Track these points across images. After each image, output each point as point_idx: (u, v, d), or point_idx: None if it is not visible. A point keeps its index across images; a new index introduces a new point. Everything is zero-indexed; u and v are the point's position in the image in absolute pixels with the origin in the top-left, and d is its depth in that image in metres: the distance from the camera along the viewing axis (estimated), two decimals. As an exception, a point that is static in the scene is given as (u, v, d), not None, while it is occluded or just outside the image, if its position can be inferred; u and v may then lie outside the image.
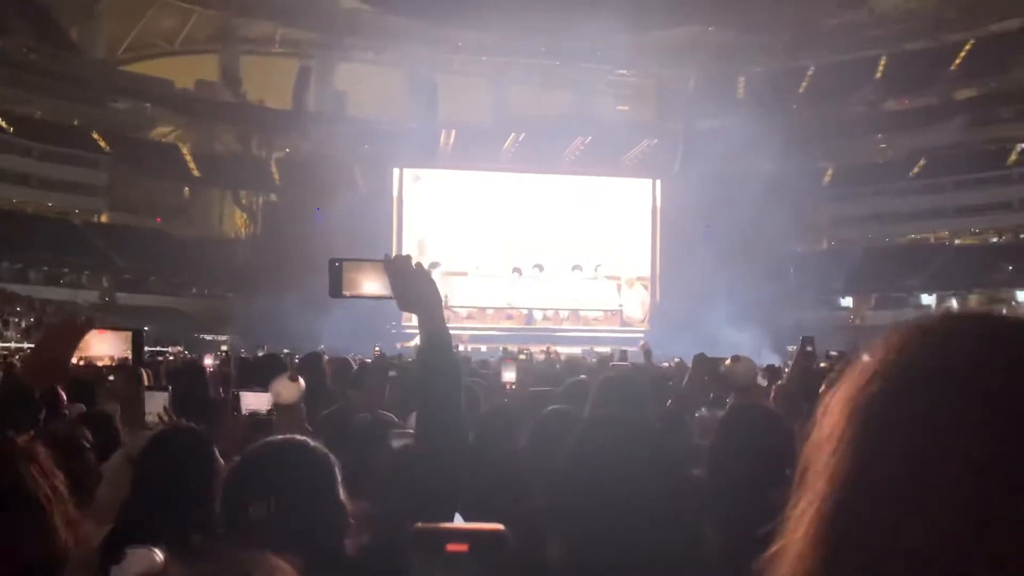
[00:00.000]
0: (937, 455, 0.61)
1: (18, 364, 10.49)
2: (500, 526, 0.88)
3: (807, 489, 0.69)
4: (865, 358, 0.70)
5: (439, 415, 1.89)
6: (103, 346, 2.17)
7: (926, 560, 0.60)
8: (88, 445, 3.10)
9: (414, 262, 1.92)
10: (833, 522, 0.65)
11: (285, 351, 20.50)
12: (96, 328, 2.11)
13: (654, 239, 37.66)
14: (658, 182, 38.25)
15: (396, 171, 36.77)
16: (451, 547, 0.85)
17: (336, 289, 1.93)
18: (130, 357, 2.21)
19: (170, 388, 3.76)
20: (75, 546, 1.50)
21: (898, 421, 0.64)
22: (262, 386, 3.68)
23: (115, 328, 2.22)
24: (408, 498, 1.92)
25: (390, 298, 1.91)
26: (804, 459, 0.70)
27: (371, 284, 1.93)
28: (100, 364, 2.18)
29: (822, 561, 0.65)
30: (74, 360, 2.04)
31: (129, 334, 2.23)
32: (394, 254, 1.94)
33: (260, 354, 9.83)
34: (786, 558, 0.68)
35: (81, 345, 2.05)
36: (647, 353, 9.90)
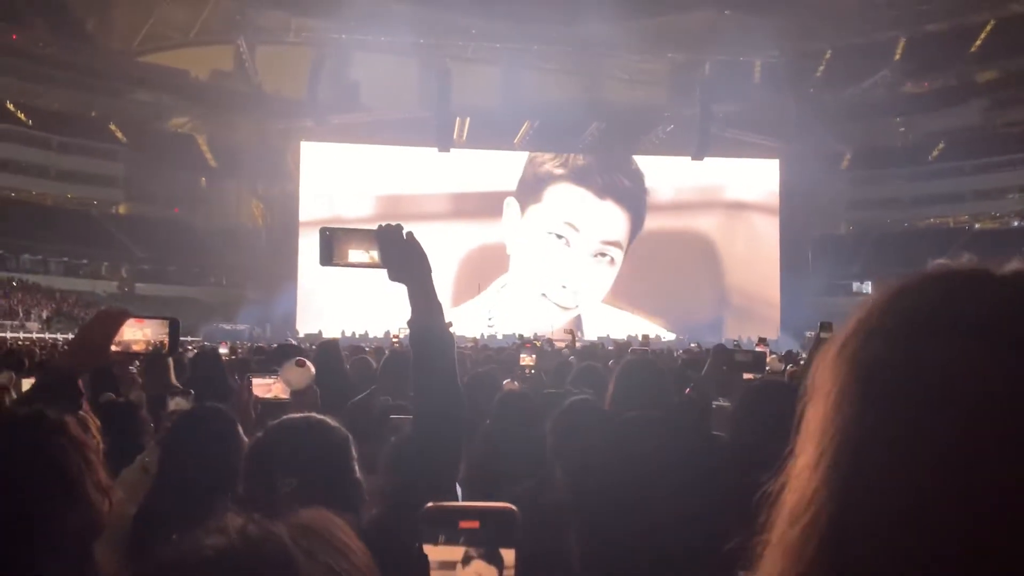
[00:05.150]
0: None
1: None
2: (511, 505, 0.90)
3: (804, 447, 0.65)
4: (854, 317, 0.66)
5: (433, 388, 1.87)
6: (139, 334, 2.25)
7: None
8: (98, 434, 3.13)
9: (405, 232, 1.90)
10: (841, 481, 0.61)
11: (299, 337, 20.58)
12: (133, 317, 2.20)
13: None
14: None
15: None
16: (464, 524, 0.87)
17: (327, 258, 1.92)
18: (166, 343, 2.28)
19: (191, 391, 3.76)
20: (109, 511, 1.54)
21: (904, 374, 0.60)
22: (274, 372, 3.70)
23: (152, 317, 2.29)
24: (411, 472, 1.94)
25: (380, 267, 1.89)
26: (799, 417, 0.67)
27: (361, 254, 1.91)
28: (135, 350, 2.27)
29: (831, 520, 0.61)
30: (112, 347, 2.14)
31: (165, 323, 2.31)
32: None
33: (275, 345, 9.90)
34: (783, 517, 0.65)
35: (118, 333, 2.15)
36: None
